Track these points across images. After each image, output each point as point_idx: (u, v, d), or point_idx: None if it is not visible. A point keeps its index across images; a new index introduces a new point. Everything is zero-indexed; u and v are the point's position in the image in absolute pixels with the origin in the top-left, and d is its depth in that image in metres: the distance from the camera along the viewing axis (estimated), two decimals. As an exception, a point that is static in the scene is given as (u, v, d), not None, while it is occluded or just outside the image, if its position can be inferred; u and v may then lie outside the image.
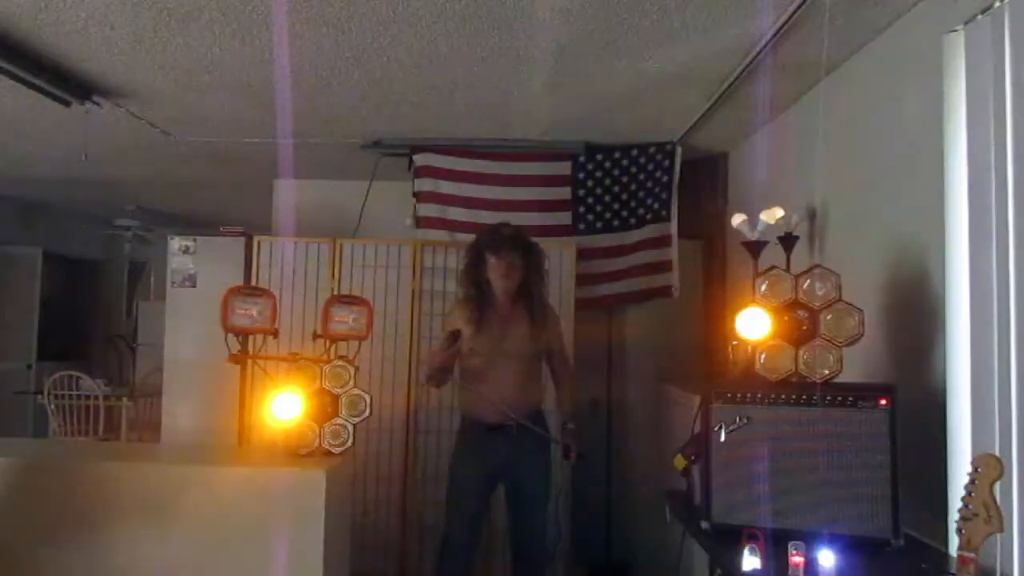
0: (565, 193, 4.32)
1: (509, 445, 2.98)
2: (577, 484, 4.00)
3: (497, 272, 3.00)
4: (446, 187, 4.33)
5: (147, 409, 6.04)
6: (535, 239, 3.19)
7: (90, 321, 8.46)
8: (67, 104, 3.55)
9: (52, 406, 5.62)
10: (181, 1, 2.59)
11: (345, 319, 2.87)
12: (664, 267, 4.20)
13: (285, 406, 2.68)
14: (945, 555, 1.96)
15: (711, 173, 4.50)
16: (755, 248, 3.15)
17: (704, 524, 2.12)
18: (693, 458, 2.34)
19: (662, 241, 4.21)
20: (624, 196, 4.30)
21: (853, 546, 1.91)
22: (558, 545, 3.30)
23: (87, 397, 5.63)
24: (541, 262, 3.15)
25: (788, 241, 2.99)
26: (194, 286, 4.69)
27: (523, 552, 3.12)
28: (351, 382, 2.77)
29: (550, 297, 3.34)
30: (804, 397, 2.10)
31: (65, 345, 7.83)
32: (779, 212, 3.01)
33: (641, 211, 4.28)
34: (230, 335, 2.79)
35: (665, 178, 4.18)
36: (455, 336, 2.95)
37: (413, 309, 4.11)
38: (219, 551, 2.47)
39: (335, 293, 3.94)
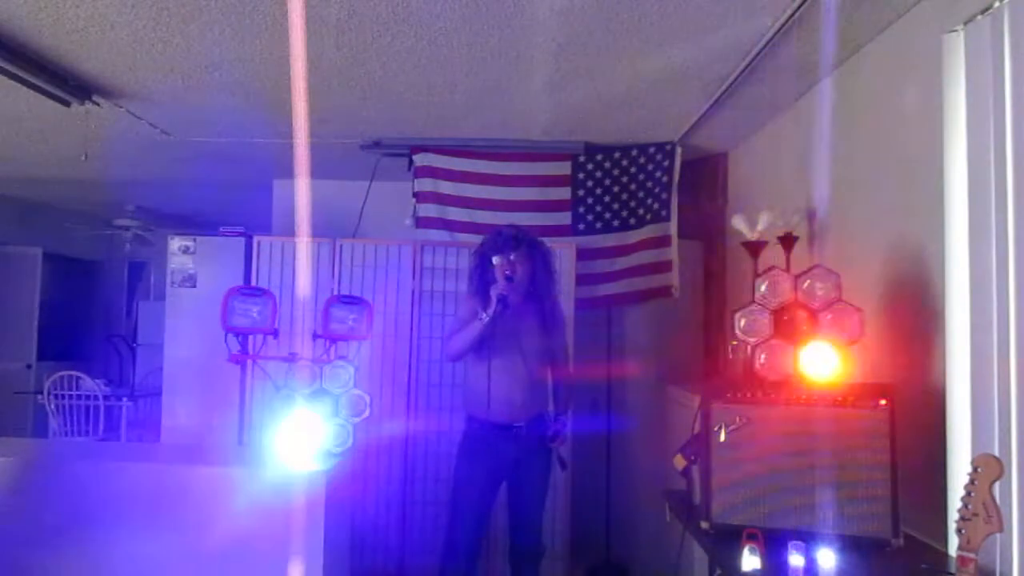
0: (565, 193, 4.33)
1: (516, 444, 3.00)
2: (577, 484, 4.01)
3: (501, 273, 3.00)
4: (446, 187, 4.33)
5: (147, 409, 6.05)
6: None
7: (90, 321, 8.46)
8: (67, 104, 3.55)
9: (52, 406, 5.62)
10: (181, 1, 2.59)
11: (345, 319, 2.87)
12: (664, 267, 4.20)
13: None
14: (945, 555, 1.97)
15: (711, 173, 4.50)
16: (755, 248, 3.15)
17: (704, 524, 2.12)
18: (693, 458, 2.34)
19: (662, 241, 4.21)
20: (624, 196, 4.30)
21: (853, 546, 1.91)
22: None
23: (87, 397, 5.64)
24: (548, 260, 3.15)
25: (788, 241, 3.00)
26: (194, 286, 4.70)
27: (522, 548, 3.16)
28: (351, 382, 2.77)
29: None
30: (804, 397, 2.10)
31: (65, 345, 7.84)
32: (774, 214, 3.01)
33: (641, 211, 4.28)
34: (230, 335, 2.79)
35: (665, 178, 4.18)
36: (503, 300, 2.89)
37: (413, 309, 4.11)
38: (218, 551, 2.47)
39: (335, 293, 3.94)
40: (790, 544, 1.80)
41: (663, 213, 4.20)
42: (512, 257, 3.01)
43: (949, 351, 2.06)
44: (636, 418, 4.35)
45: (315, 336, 2.88)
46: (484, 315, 2.90)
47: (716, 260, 4.43)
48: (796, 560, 1.77)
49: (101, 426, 5.67)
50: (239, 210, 6.60)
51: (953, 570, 1.62)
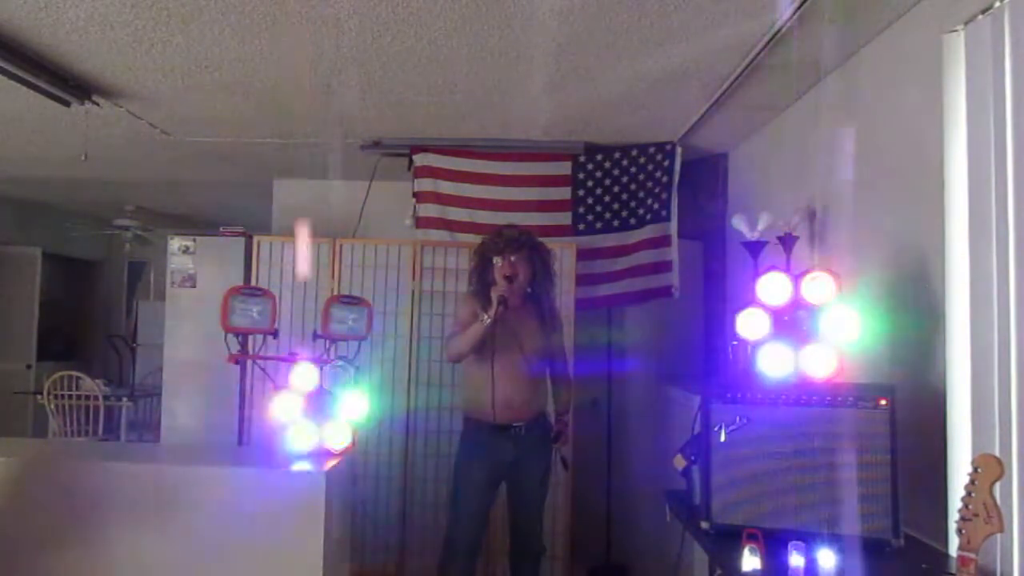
0: (565, 193, 4.33)
1: (515, 445, 3.01)
2: (577, 484, 4.01)
3: (501, 273, 3.00)
4: (446, 187, 4.33)
5: (147, 409, 6.05)
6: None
7: (90, 321, 8.46)
8: (67, 104, 3.55)
9: (52, 406, 5.62)
10: (181, 1, 2.59)
11: (345, 319, 2.87)
12: (664, 267, 4.20)
13: (283, 407, 2.68)
14: (945, 555, 1.97)
15: (711, 173, 4.50)
16: (755, 248, 3.15)
17: (704, 524, 2.12)
18: (693, 458, 2.34)
19: (662, 241, 4.21)
20: (624, 196, 4.30)
21: (853, 546, 1.91)
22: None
23: (87, 397, 5.64)
24: (549, 262, 3.15)
25: (788, 241, 2.99)
26: (194, 286, 4.71)
27: (522, 548, 3.17)
28: (351, 382, 2.77)
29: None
30: (804, 397, 2.10)
31: (65, 345, 7.84)
32: (772, 217, 3.02)
33: (641, 211, 4.28)
34: (230, 335, 2.79)
35: (665, 178, 4.18)
36: (503, 300, 2.89)
37: (413, 309, 4.11)
38: (219, 551, 2.47)
39: (335, 293, 3.94)
40: (790, 544, 1.80)
41: (663, 213, 4.20)
42: (513, 259, 3.01)
43: (949, 351, 2.06)
44: (636, 418, 4.35)
45: (315, 336, 2.88)
46: (485, 316, 2.90)
47: (716, 260, 4.43)
48: (796, 560, 1.77)
49: (101, 426, 5.66)
50: (239, 210, 6.60)
51: (953, 570, 1.62)
